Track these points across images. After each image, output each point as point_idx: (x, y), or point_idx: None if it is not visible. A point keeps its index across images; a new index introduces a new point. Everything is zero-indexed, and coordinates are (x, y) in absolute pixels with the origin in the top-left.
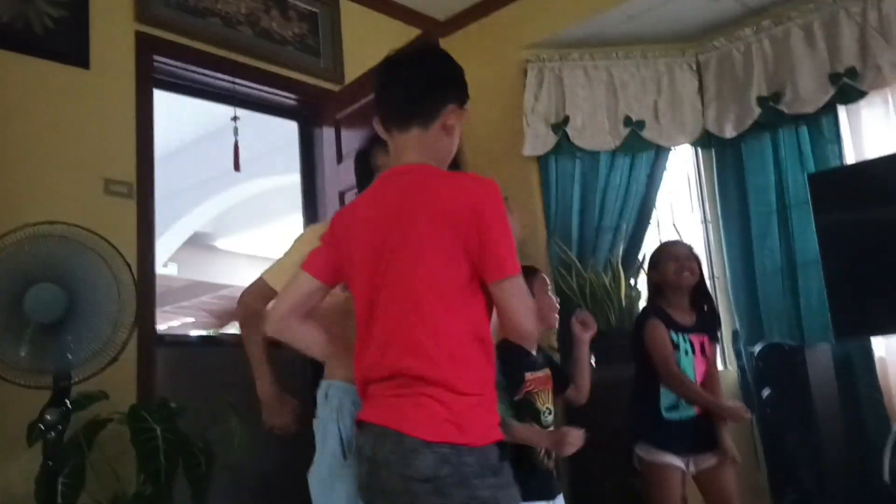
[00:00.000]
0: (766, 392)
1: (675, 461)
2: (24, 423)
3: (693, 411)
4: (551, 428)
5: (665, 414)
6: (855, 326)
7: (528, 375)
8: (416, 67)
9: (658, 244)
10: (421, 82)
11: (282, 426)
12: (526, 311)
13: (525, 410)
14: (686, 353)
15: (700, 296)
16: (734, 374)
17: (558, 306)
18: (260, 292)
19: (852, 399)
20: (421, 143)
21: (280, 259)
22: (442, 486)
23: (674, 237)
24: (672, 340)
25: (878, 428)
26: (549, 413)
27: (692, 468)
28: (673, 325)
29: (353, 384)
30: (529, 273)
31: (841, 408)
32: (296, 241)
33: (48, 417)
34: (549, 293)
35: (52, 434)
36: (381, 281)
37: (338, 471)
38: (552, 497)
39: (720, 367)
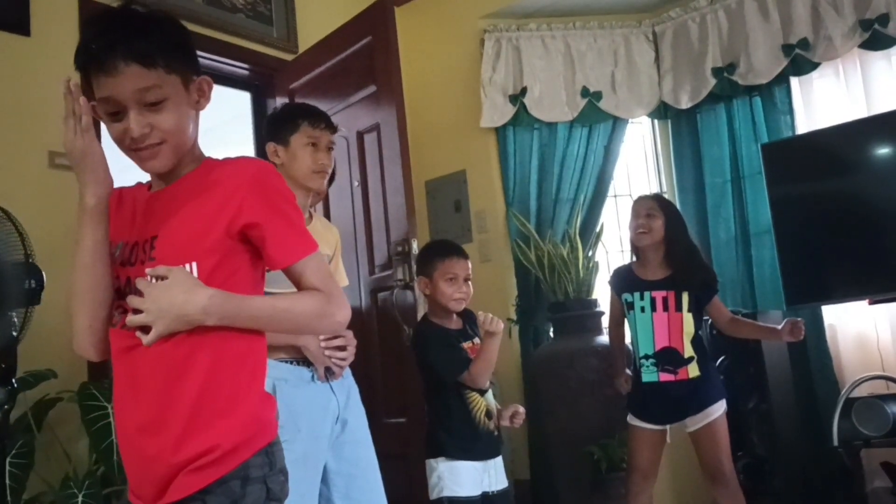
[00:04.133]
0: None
1: (641, 423)
2: None
3: (656, 377)
4: (491, 392)
5: (641, 377)
6: (806, 294)
7: (466, 345)
8: None
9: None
10: None
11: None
12: None
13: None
14: (642, 309)
15: (676, 251)
16: None
17: None
18: None
19: (803, 365)
20: None
21: None
22: None
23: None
24: (626, 300)
25: (828, 394)
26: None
27: (687, 429)
28: (635, 282)
29: (277, 360)
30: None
31: (792, 374)
32: None
33: None
34: None
35: None
36: None
37: None
38: (494, 456)
39: None
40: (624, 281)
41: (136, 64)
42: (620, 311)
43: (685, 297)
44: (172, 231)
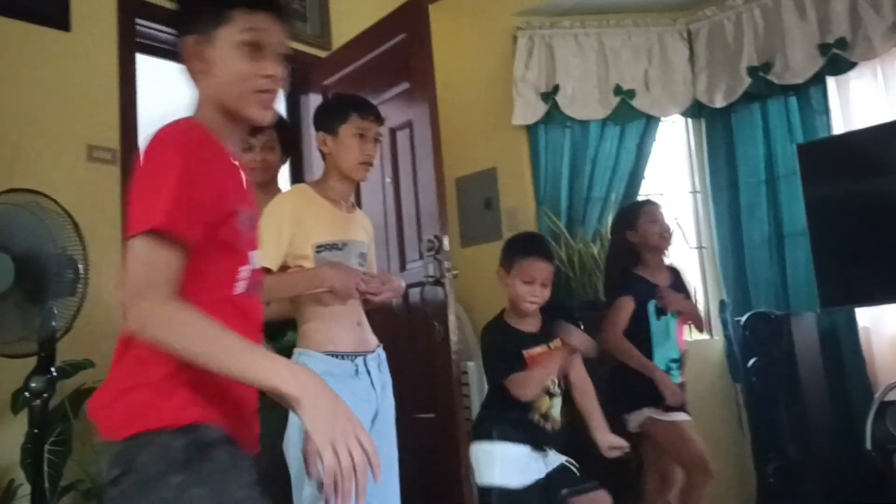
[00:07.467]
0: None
1: (685, 417)
2: (7, 391)
3: (679, 379)
4: (558, 398)
5: None
6: (840, 296)
7: (526, 353)
8: None
9: (632, 204)
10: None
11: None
12: (131, 283)
13: None
14: (673, 315)
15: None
16: (721, 344)
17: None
18: None
19: (836, 368)
20: (196, 107)
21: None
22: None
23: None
24: (657, 307)
25: (862, 397)
26: (555, 384)
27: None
28: (655, 291)
29: (325, 354)
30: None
31: (825, 377)
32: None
33: (34, 385)
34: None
35: (38, 402)
36: None
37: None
38: (540, 450)
39: (707, 336)
40: (648, 288)
41: (286, 22)
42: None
43: None
44: None
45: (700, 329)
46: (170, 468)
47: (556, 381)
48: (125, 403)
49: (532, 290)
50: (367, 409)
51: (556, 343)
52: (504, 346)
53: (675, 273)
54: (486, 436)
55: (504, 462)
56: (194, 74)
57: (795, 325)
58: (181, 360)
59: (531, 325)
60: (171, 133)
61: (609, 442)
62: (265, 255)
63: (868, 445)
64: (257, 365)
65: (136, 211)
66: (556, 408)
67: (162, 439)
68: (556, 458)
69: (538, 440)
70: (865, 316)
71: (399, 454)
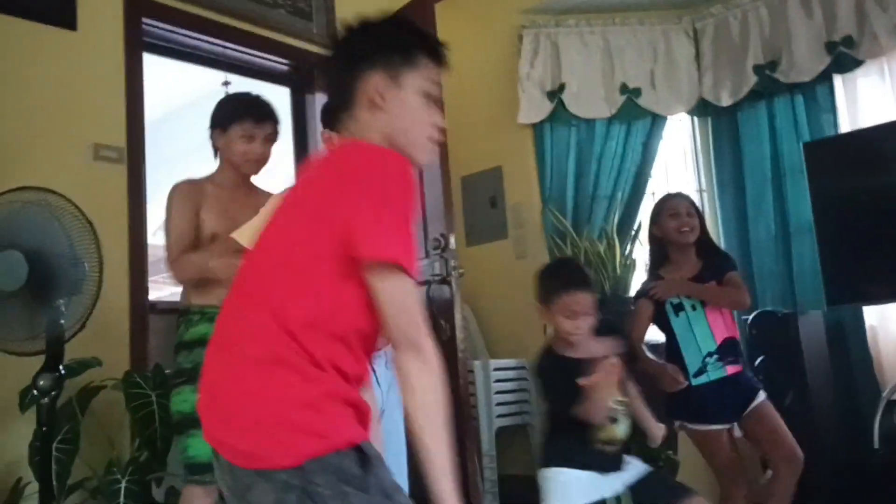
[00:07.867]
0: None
1: (717, 426)
2: (15, 389)
3: (724, 371)
4: (622, 422)
5: (693, 381)
6: (847, 294)
7: (582, 380)
8: (337, 45)
9: (659, 198)
10: (334, 63)
11: None
12: (409, 319)
13: None
14: (693, 307)
15: (705, 245)
16: None
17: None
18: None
19: (843, 366)
20: (354, 131)
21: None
22: None
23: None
24: (672, 304)
25: (869, 395)
26: (620, 406)
27: (737, 430)
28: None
29: None
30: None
31: (832, 375)
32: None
33: (42, 383)
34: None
35: (46, 400)
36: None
37: None
38: (606, 471)
39: None
40: None
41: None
42: (648, 324)
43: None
44: None
45: (736, 307)
46: (347, 491)
47: (619, 401)
48: (283, 427)
49: (576, 323)
50: (371, 408)
51: (611, 361)
52: (561, 381)
53: (712, 262)
54: (548, 463)
55: (565, 485)
56: (364, 105)
57: (802, 324)
58: (345, 379)
59: (581, 352)
60: (404, 166)
61: (659, 435)
62: (242, 235)
63: (876, 444)
64: (446, 473)
65: (385, 238)
66: (620, 432)
67: (333, 462)
68: (635, 471)
69: (602, 464)
70: (872, 314)
71: (407, 452)
